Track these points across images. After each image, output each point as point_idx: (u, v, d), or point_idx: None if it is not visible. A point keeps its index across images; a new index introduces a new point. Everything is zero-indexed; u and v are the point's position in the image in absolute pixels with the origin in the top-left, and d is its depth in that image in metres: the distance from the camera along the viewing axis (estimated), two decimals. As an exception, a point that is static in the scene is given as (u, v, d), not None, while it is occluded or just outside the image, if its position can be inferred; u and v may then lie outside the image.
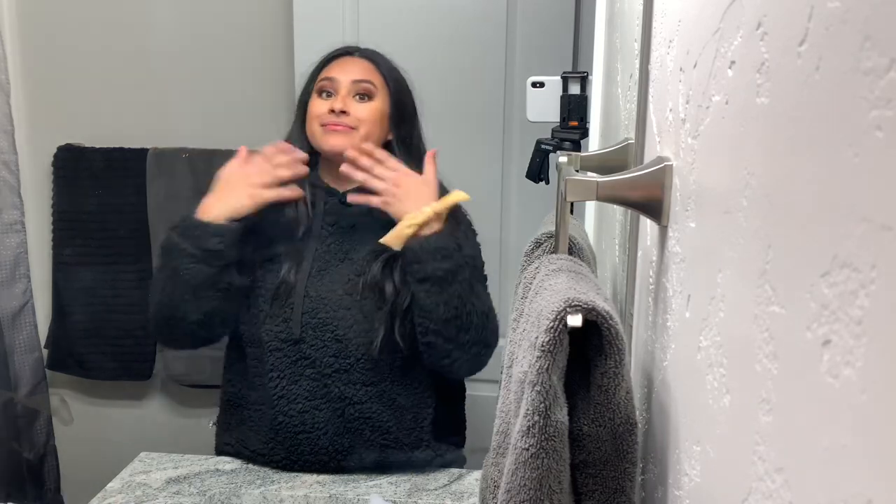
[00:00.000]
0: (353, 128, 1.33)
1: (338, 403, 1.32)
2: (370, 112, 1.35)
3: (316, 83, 1.37)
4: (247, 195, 1.30)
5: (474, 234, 1.39)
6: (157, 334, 1.51)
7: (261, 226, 1.37)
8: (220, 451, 1.43)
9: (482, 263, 1.36)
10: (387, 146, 1.38)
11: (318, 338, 1.32)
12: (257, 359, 1.36)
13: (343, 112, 1.33)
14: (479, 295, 1.31)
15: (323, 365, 1.32)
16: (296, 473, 1.33)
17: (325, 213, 1.38)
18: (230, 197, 1.31)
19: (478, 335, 1.28)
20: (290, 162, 1.33)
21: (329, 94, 1.35)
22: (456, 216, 1.35)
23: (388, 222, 1.30)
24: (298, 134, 1.40)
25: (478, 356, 1.31)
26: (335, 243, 1.37)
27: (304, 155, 1.34)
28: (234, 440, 1.40)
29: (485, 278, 1.36)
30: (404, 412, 1.35)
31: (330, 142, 1.34)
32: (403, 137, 1.39)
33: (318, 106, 1.35)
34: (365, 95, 1.35)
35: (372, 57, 1.40)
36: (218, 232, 1.28)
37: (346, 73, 1.36)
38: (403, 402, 1.35)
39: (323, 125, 1.34)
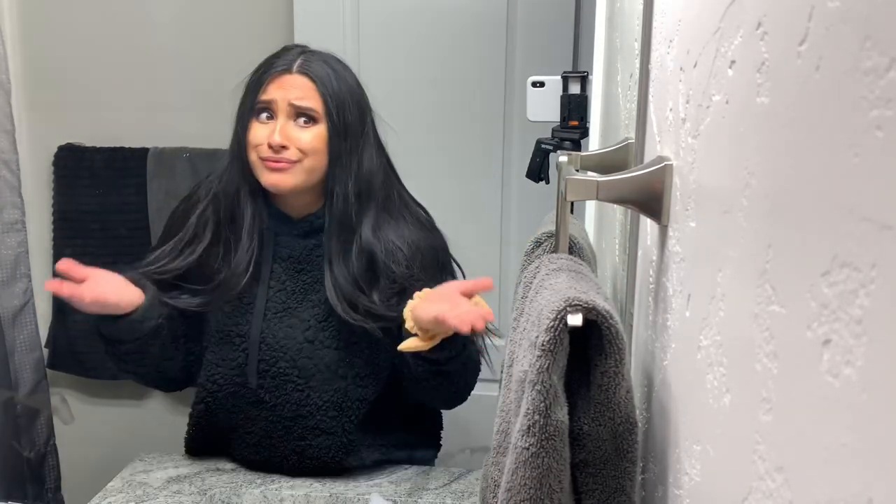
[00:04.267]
0: (295, 161, 1.21)
1: (298, 443, 1.28)
2: (314, 139, 1.21)
3: (255, 105, 1.23)
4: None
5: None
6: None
7: (200, 265, 1.27)
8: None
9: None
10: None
11: (279, 388, 1.26)
12: (213, 397, 1.30)
13: (283, 147, 1.20)
14: (475, 359, 1.25)
15: (283, 409, 1.26)
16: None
17: (277, 245, 1.28)
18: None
19: (468, 389, 1.28)
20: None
21: (268, 117, 1.22)
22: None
23: (351, 251, 1.24)
24: (237, 155, 1.26)
25: (463, 398, 1.31)
26: (290, 281, 1.27)
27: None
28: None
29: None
30: (365, 450, 1.33)
31: (270, 179, 1.21)
32: (343, 161, 1.23)
33: (255, 133, 1.22)
34: (308, 119, 1.21)
35: (314, 76, 1.22)
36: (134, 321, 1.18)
37: (285, 94, 1.21)
38: (368, 442, 1.32)
39: (262, 158, 1.22)
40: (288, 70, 1.23)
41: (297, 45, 1.30)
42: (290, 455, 1.30)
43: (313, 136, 1.21)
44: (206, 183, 1.35)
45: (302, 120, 1.21)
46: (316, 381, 1.25)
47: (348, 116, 1.23)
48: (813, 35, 0.32)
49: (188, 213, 1.32)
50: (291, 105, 1.21)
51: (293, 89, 1.21)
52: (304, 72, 1.22)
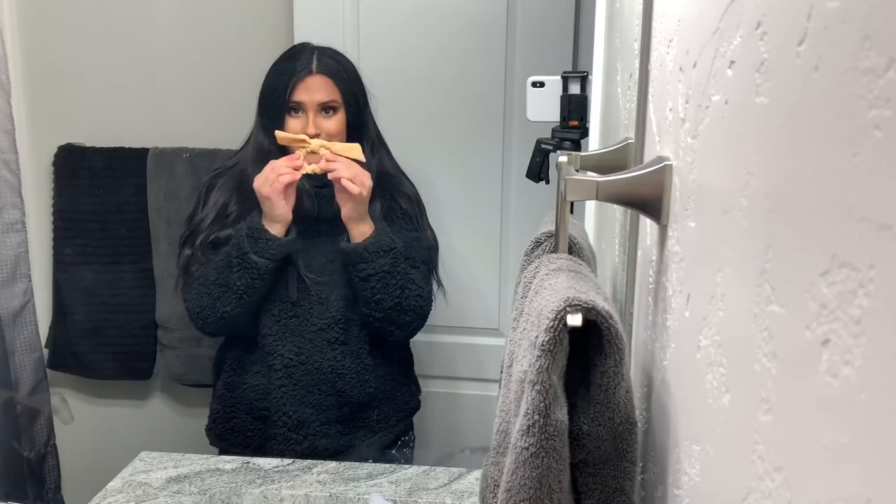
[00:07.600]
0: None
1: (315, 363, 1.56)
2: (338, 124, 1.55)
3: (287, 104, 1.53)
4: (284, 205, 1.47)
5: (417, 226, 1.59)
6: (197, 325, 1.63)
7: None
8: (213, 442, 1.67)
9: (430, 249, 1.60)
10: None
11: (306, 299, 1.56)
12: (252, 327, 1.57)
13: (317, 135, 1.51)
14: (415, 280, 1.54)
15: (309, 324, 1.55)
16: (295, 473, 1.33)
17: (311, 195, 1.58)
18: (276, 210, 1.47)
19: (415, 314, 1.55)
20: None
21: (299, 112, 1.54)
22: (394, 209, 1.57)
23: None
24: (269, 145, 1.55)
25: (415, 327, 1.59)
26: (318, 218, 1.57)
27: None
28: (221, 428, 1.64)
29: (428, 262, 1.59)
30: (369, 370, 1.58)
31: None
32: (356, 136, 1.57)
33: (290, 125, 1.53)
34: (330, 109, 1.54)
35: (331, 73, 1.54)
36: (286, 245, 1.49)
37: (312, 95, 1.52)
38: (369, 360, 1.58)
39: None
40: (309, 71, 1.53)
41: (304, 45, 1.58)
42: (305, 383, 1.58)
43: (336, 122, 1.55)
44: (233, 162, 1.64)
45: (327, 111, 1.54)
46: (334, 297, 1.56)
47: (359, 101, 1.58)
48: (812, 35, 0.32)
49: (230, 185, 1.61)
50: (319, 103, 1.53)
51: (317, 89, 1.53)
52: (322, 71, 1.53)
